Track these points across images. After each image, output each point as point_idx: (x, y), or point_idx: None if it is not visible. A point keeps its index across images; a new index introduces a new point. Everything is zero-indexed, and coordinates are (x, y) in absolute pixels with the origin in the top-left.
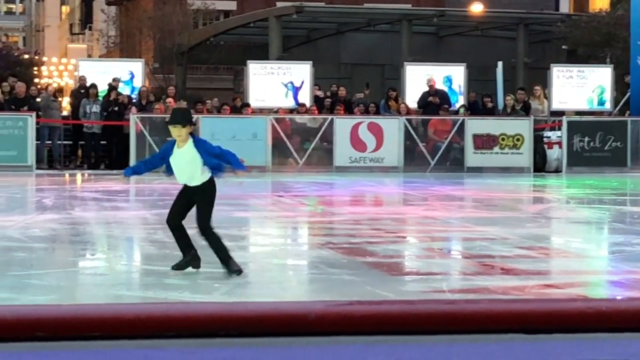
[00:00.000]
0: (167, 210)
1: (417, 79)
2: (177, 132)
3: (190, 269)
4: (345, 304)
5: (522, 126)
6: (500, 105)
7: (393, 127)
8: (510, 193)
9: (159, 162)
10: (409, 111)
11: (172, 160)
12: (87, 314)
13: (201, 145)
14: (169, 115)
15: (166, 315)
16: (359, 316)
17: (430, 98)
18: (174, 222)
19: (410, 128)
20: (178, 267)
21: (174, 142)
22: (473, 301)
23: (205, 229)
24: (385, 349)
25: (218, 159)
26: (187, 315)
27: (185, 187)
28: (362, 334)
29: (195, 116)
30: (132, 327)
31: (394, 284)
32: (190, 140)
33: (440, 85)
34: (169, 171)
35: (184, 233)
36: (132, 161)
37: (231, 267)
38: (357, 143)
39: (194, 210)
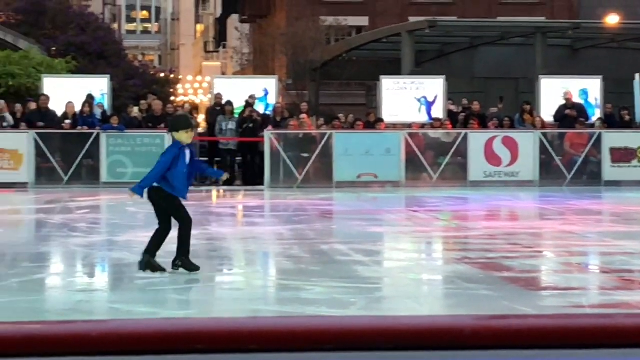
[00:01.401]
0: (302, 226)
1: (552, 92)
2: (189, 137)
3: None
4: (500, 318)
5: None
6: (638, 118)
7: (528, 141)
8: None
9: (167, 167)
10: (544, 125)
11: (183, 160)
12: (245, 327)
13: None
14: (177, 121)
15: (324, 329)
16: (515, 330)
17: (567, 111)
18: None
19: (545, 142)
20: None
21: (180, 146)
22: (633, 315)
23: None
24: None
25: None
26: (343, 328)
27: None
28: (518, 349)
29: (327, 132)
30: (289, 340)
31: (532, 299)
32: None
33: (576, 99)
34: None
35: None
36: (267, 177)
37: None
38: (491, 157)
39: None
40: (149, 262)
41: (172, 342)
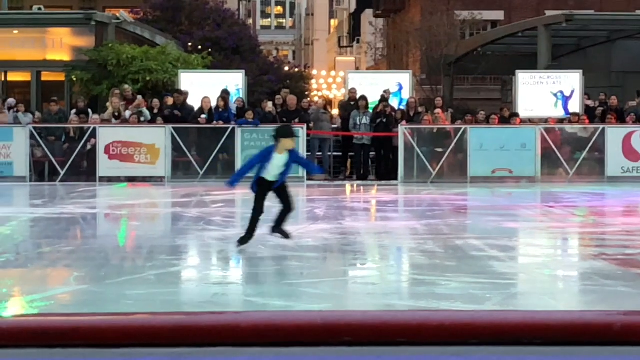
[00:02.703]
0: (436, 221)
1: None
2: (293, 143)
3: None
4: None
5: None
6: None
7: None
8: None
9: (257, 164)
10: None
11: (271, 162)
12: (391, 320)
13: (293, 155)
14: (283, 130)
15: (472, 322)
16: None
17: None
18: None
19: None
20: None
21: (272, 148)
22: None
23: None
24: None
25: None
26: (493, 322)
27: (266, 182)
28: None
29: (462, 126)
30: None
31: None
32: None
33: None
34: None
35: (258, 216)
36: (401, 172)
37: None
38: (629, 153)
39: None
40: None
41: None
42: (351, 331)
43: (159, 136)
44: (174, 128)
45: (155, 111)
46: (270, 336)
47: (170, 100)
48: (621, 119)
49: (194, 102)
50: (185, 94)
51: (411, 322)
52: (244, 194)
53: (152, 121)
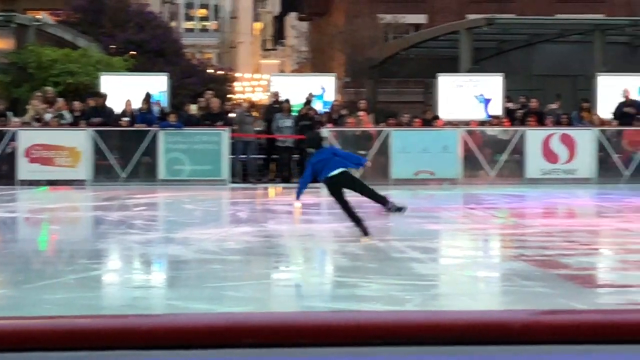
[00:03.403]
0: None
1: (610, 89)
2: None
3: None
4: (550, 313)
5: None
6: None
7: (586, 139)
8: None
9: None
10: (602, 122)
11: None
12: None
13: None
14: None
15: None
16: (566, 325)
17: (626, 108)
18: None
19: (603, 139)
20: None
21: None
22: None
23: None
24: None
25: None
26: (396, 323)
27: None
28: (567, 344)
29: (384, 129)
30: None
31: (589, 297)
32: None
33: (634, 96)
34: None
35: (348, 207)
36: None
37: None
38: (549, 155)
39: None
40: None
41: (222, 336)
42: (253, 333)
43: (81, 139)
44: (95, 131)
45: (77, 114)
46: (173, 339)
47: (92, 103)
48: (541, 122)
49: (117, 105)
50: (104, 97)
51: (313, 324)
52: (165, 197)
53: (74, 124)
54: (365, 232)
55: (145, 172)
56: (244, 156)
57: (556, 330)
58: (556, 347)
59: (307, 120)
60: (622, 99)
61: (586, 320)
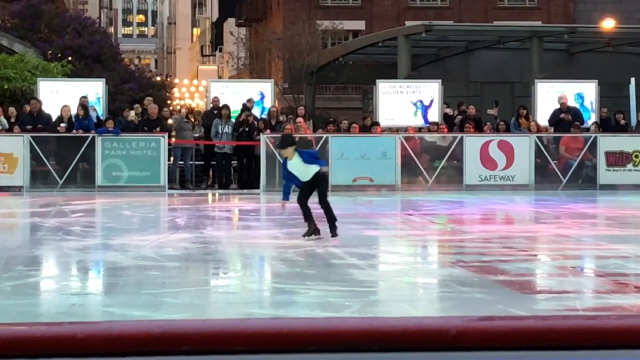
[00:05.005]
0: (297, 230)
1: (547, 96)
2: (285, 153)
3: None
4: (486, 319)
5: None
6: (634, 122)
7: (524, 145)
8: None
9: (287, 177)
10: (539, 129)
11: (291, 170)
12: (233, 329)
13: (303, 155)
14: (278, 144)
15: (310, 330)
16: (501, 331)
17: (562, 115)
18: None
19: (541, 146)
20: (307, 234)
21: (285, 161)
22: (616, 317)
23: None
24: None
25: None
26: (330, 329)
27: (306, 182)
28: (503, 350)
29: (323, 135)
30: (275, 342)
31: (527, 303)
32: (296, 153)
33: (571, 103)
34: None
35: (308, 209)
36: (263, 181)
37: (334, 231)
38: (487, 161)
39: None
40: (334, 228)
41: (159, 343)
42: (191, 340)
43: (17, 145)
44: (32, 137)
45: (13, 120)
46: (110, 346)
47: (28, 109)
48: (479, 128)
49: (54, 110)
50: (40, 102)
51: (251, 331)
52: (102, 204)
53: (10, 130)
54: (315, 232)
55: (83, 178)
56: (182, 162)
57: (491, 337)
58: (492, 354)
59: (246, 126)
60: (558, 106)
61: (522, 326)
